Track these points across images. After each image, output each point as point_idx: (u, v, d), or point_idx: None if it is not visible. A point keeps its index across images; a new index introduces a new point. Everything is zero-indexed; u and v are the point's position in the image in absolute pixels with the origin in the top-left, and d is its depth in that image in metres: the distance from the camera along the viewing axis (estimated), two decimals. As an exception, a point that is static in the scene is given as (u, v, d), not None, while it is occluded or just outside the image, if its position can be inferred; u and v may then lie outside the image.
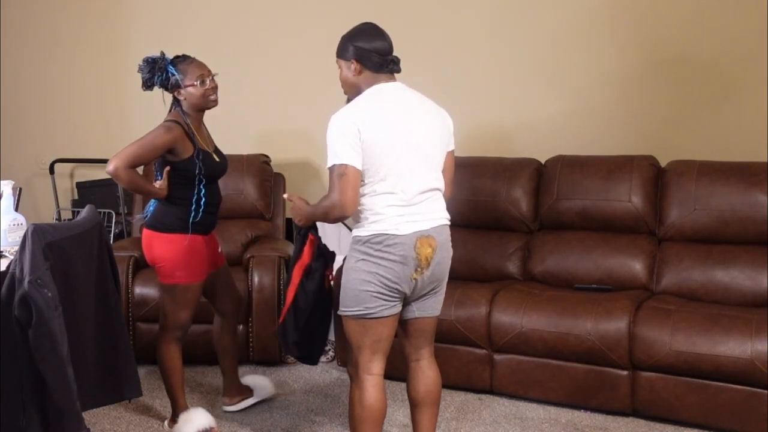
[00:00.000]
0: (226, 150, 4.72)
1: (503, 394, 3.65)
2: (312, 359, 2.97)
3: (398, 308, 2.60)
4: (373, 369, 2.61)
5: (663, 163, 3.93)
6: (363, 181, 2.50)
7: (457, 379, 3.70)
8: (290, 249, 4.44)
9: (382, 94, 2.56)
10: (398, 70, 2.62)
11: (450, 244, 2.65)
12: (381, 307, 2.54)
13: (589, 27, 4.29)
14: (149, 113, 5.23)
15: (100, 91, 5.31)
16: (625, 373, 3.37)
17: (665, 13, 4.13)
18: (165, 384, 3.34)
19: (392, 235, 2.49)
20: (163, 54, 3.21)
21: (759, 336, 3.12)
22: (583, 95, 4.33)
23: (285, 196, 2.88)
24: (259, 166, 4.59)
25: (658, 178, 3.88)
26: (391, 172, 2.49)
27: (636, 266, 3.76)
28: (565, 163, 4.04)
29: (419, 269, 2.52)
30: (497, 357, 3.63)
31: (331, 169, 2.48)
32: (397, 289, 2.53)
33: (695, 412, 3.24)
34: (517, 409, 3.53)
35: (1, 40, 5.31)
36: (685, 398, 3.25)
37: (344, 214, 2.51)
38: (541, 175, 4.11)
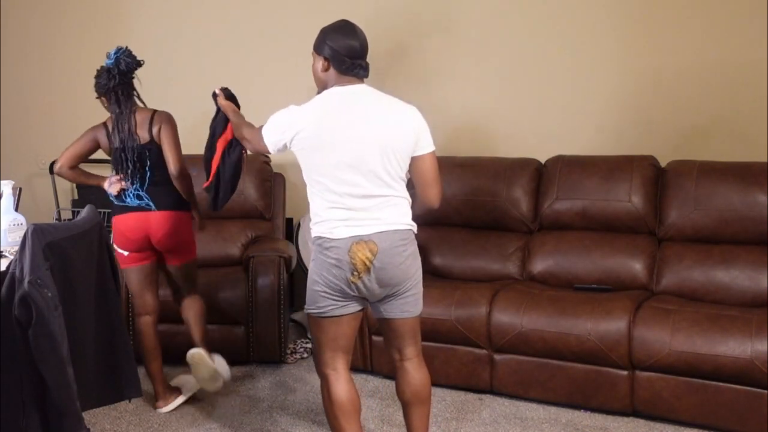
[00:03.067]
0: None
1: (503, 394, 3.65)
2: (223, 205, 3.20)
3: (353, 308, 2.60)
4: (336, 365, 2.65)
5: (663, 163, 3.93)
6: (308, 182, 2.58)
7: (457, 379, 3.70)
8: (291, 249, 4.46)
9: (341, 97, 2.57)
10: (364, 76, 2.61)
11: (402, 249, 2.56)
12: (331, 307, 2.57)
13: (590, 28, 4.29)
14: (149, 113, 5.23)
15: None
16: (624, 373, 3.37)
17: (666, 13, 4.13)
18: (151, 365, 3.56)
19: (328, 238, 2.51)
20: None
21: (759, 336, 3.12)
22: (583, 95, 4.33)
23: (217, 90, 3.14)
24: (259, 166, 4.59)
25: (658, 178, 3.88)
26: (330, 178, 2.50)
27: (636, 266, 3.76)
28: (565, 163, 4.04)
29: (356, 273, 2.51)
30: (497, 357, 3.63)
31: (258, 128, 2.70)
32: (340, 290, 2.54)
33: (695, 412, 3.24)
34: (517, 409, 3.53)
35: (1, 40, 5.31)
36: (685, 398, 3.25)
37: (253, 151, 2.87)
38: (541, 175, 4.11)
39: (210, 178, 3.16)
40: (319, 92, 2.66)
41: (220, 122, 3.15)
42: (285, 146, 2.59)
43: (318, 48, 2.64)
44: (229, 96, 3.19)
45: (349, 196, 2.51)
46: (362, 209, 2.51)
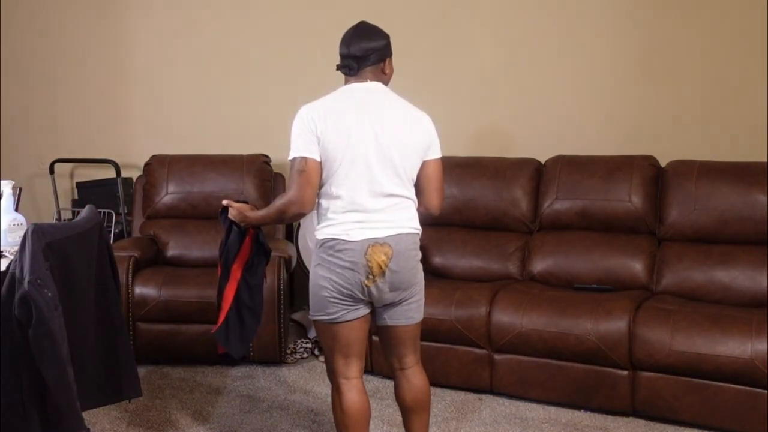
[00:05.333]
0: (226, 149, 4.75)
1: (503, 394, 3.65)
2: (247, 354, 2.91)
3: (363, 311, 2.56)
4: (349, 373, 2.61)
5: (663, 163, 3.93)
6: (327, 182, 2.51)
7: (457, 379, 3.70)
8: (291, 249, 4.46)
9: (352, 92, 2.57)
10: (347, 73, 2.60)
11: (414, 253, 2.58)
12: (341, 312, 2.53)
13: (589, 27, 4.29)
14: (148, 113, 5.25)
15: (100, 91, 5.31)
16: (625, 373, 3.37)
17: (665, 12, 4.13)
18: None
19: (342, 240, 2.47)
20: None
21: (759, 336, 3.12)
22: (583, 95, 4.33)
23: (225, 202, 2.76)
24: (259, 166, 4.59)
25: (658, 178, 3.88)
26: (345, 172, 2.47)
27: (636, 266, 3.76)
28: (565, 163, 4.04)
29: (371, 277, 2.48)
30: (497, 357, 3.62)
31: (291, 162, 2.50)
32: (350, 294, 2.50)
33: (695, 412, 3.24)
34: (517, 409, 3.53)
35: (1, 40, 5.31)
36: (685, 398, 3.25)
37: (302, 211, 2.52)
38: (541, 175, 4.11)
39: (220, 319, 2.74)
40: None
41: (233, 244, 2.71)
42: (319, 143, 2.47)
43: None
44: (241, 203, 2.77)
45: (369, 194, 2.48)
46: (377, 210, 2.49)
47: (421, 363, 2.75)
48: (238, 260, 2.74)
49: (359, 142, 2.48)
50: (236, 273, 2.74)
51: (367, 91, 2.58)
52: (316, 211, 2.60)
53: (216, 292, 2.80)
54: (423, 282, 2.67)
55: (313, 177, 2.48)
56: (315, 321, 2.62)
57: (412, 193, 2.60)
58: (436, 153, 2.64)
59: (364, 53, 2.57)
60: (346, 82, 2.61)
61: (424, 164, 2.62)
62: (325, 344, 2.64)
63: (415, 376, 2.71)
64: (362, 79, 2.59)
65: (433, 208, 2.69)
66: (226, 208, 2.74)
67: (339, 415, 2.61)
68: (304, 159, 2.47)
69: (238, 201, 2.77)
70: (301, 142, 2.49)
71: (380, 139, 2.50)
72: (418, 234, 2.61)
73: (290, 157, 2.51)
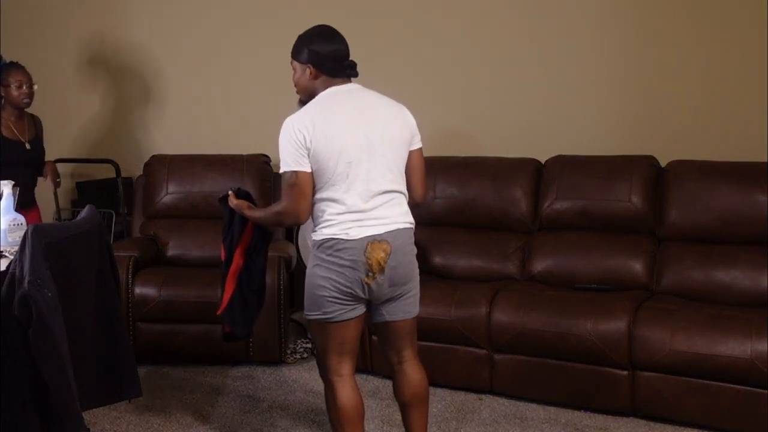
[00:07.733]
0: (226, 149, 4.74)
1: (503, 394, 3.65)
2: (250, 334, 3.05)
3: (359, 311, 2.59)
4: (342, 370, 2.62)
5: (663, 163, 3.93)
6: (315, 185, 2.52)
7: (457, 379, 3.70)
8: (291, 249, 4.46)
9: (335, 97, 2.57)
10: (354, 75, 2.62)
11: (411, 248, 2.61)
12: (339, 311, 2.54)
13: (589, 27, 4.28)
14: (148, 113, 5.25)
15: (99, 91, 5.31)
16: (625, 373, 3.37)
17: (665, 11, 4.13)
18: None
19: (342, 239, 2.49)
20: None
21: (759, 336, 3.12)
22: (583, 95, 4.33)
23: (230, 192, 2.83)
24: (259, 166, 4.59)
25: (658, 178, 3.88)
26: (341, 178, 2.49)
27: (636, 266, 3.76)
28: (565, 163, 4.04)
29: (371, 274, 2.50)
30: (497, 357, 3.62)
31: (282, 175, 2.52)
32: (351, 293, 2.52)
33: (695, 412, 3.24)
34: (517, 409, 3.53)
35: (1, 40, 5.31)
36: (685, 398, 3.25)
37: (298, 221, 2.60)
38: (541, 175, 4.10)
39: (225, 301, 2.86)
40: (302, 100, 2.66)
41: (237, 228, 2.80)
42: (310, 154, 2.48)
43: (299, 56, 2.64)
44: (243, 195, 2.84)
45: (362, 195, 2.50)
46: (373, 208, 2.52)
47: (419, 359, 2.77)
48: (241, 244, 2.83)
49: (351, 146, 2.50)
50: (239, 256, 2.83)
51: (348, 92, 2.60)
52: (311, 214, 2.61)
53: (220, 277, 2.91)
54: (418, 276, 2.70)
55: (306, 189, 2.51)
56: (310, 320, 2.63)
57: (404, 187, 2.63)
58: (418, 143, 2.69)
59: (349, 54, 2.63)
60: (327, 85, 2.60)
61: (409, 155, 2.65)
62: (320, 342, 2.65)
63: (413, 370, 2.73)
64: (346, 81, 2.62)
65: (419, 197, 2.73)
66: (225, 196, 2.83)
67: (333, 412, 2.63)
68: (295, 173, 2.49)
69: (237, 191, 2.85)
70: (289, 156, 2.50)
71: (370, 138, 2.52)
72: (412, 228, 2.64)
73: (281, 171, 2.53)
